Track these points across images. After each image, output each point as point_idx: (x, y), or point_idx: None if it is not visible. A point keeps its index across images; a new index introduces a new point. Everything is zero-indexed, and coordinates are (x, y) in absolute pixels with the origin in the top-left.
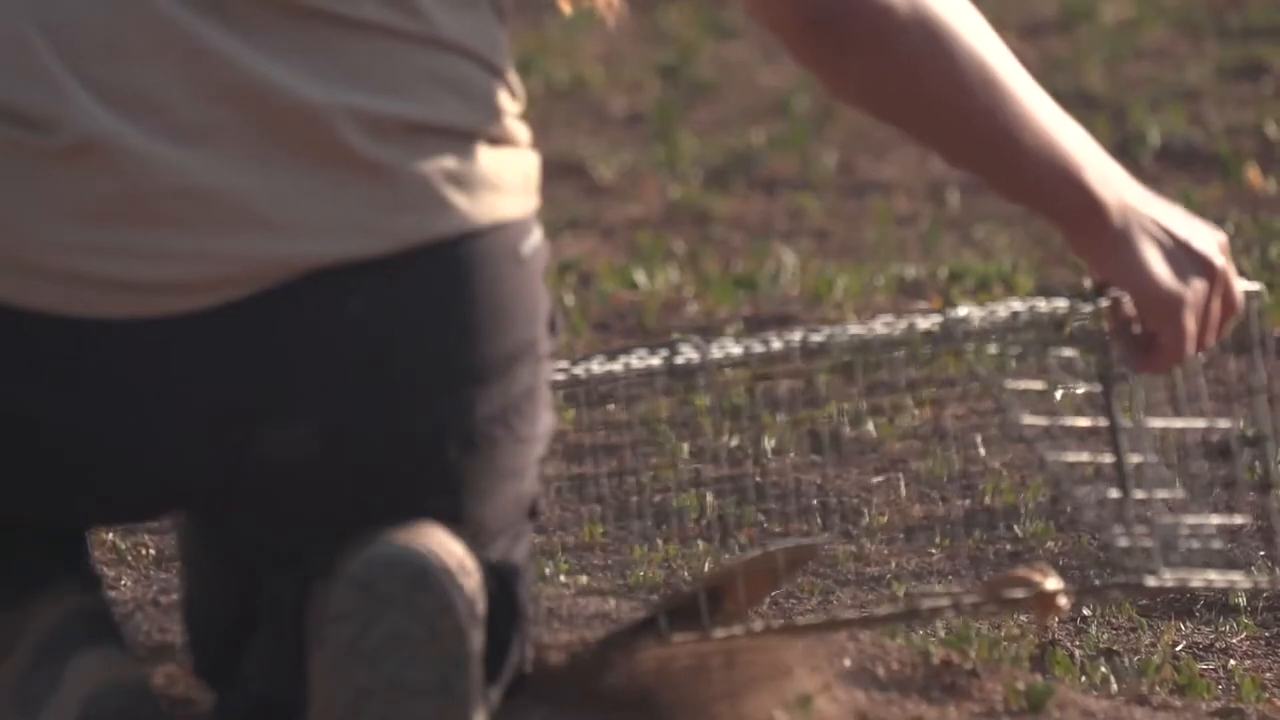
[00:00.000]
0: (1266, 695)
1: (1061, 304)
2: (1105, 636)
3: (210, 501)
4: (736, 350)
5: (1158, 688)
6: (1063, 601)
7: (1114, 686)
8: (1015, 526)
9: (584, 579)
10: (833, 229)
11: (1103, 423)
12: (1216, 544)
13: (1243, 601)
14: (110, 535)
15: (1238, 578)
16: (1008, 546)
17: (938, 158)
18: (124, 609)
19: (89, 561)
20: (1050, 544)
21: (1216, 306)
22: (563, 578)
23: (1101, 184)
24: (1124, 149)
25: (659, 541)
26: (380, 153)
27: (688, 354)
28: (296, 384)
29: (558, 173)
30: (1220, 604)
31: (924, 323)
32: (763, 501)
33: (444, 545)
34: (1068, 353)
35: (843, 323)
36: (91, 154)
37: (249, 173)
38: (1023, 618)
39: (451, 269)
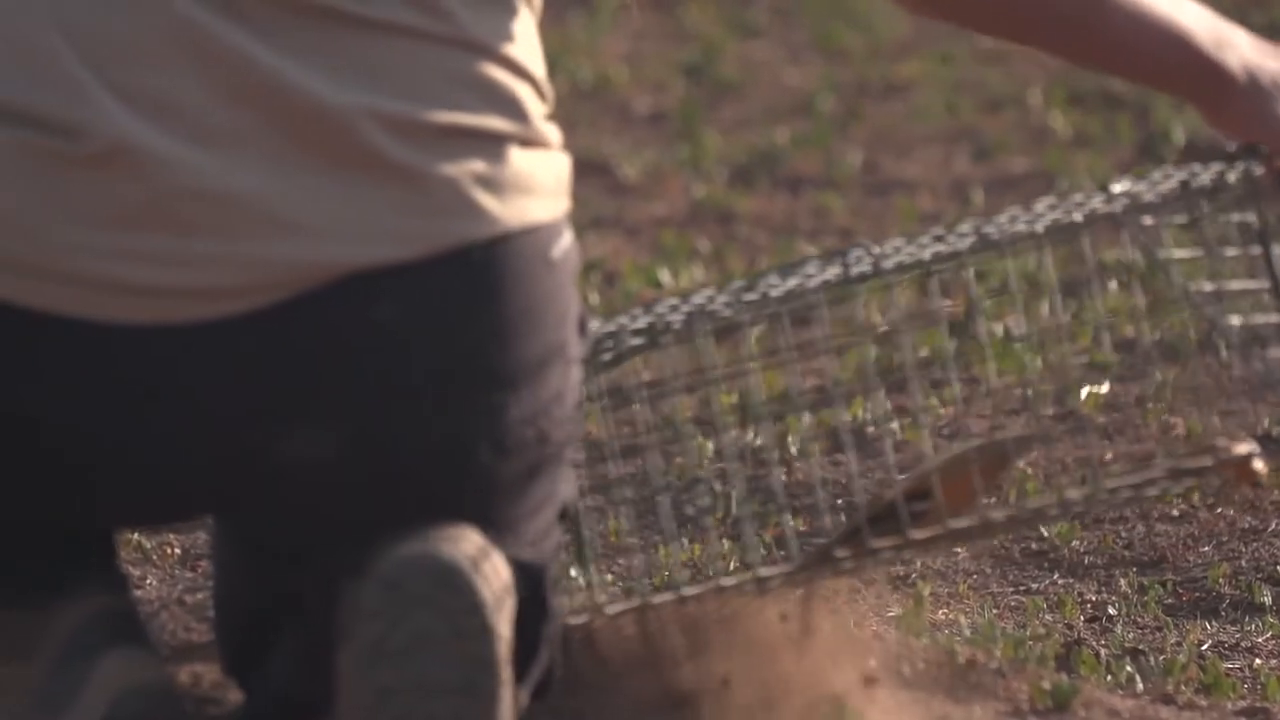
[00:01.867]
0: None
1: (1216, 168)
2: (1131, 636)
3: (236, 505)
4: (910, 251)
5: (1183, 687)
6: (1259, 465)
7: (1139, 686)
8: (1041, 527)
9: (609, 578)
10: (857, 228)
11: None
12: None
13: (1268, 600)
14: (135, 535)
15: None
16: (1033, 545)
17: (965, 153)
18: (149, 608)
19: (116, 562)
20: (1075, 543)
21: None
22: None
23: (1216, 47)
24: (1148, 148)
25: (684, 541)
26: (408, 156)
27: (861, 262)
28: (324, 389)
29: (582, 172)
30: (1246, 603)
31: (1095, 202)
32: (787, 500)
33: (472, 546)
34: (1235, 217)
35: (1010, 213)
36: (117, 159)
37: (271, 176)
38: (1224, 489)
39: (482, 273)
